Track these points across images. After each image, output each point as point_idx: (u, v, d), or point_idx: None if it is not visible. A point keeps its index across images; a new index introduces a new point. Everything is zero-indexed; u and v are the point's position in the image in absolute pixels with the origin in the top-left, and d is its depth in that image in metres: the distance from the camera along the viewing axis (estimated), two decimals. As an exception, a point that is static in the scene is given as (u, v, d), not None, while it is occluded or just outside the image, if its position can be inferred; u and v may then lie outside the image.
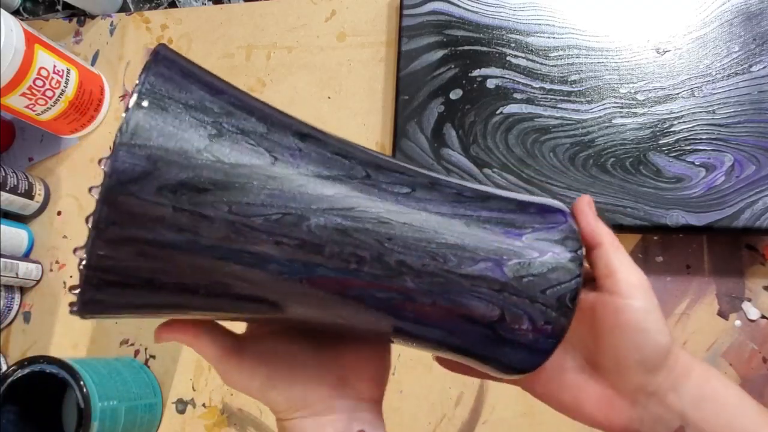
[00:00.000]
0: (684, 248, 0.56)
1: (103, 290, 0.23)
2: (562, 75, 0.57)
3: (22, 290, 0.69)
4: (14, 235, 0.67)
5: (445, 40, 0.60)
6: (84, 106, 0.68)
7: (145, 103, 0.22)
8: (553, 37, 0.58)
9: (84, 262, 0.22)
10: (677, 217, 0.52)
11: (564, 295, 0.27)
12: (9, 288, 0.67)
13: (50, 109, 0.65)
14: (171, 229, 0.22)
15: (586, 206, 0.29)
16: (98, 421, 0.52)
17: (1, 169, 0.64)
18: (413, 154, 0.58)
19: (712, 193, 0.52)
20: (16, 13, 0.78)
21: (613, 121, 0.55)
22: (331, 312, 0.26)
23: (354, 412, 0.29)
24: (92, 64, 0.73)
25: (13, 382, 0.53)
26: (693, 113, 0.54)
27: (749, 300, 0.54)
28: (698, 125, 0.54)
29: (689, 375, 0.28)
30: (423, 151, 0.58)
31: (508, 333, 0.27)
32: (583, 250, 0.28)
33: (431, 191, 0.27)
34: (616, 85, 0.56)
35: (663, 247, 0.56)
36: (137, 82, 0.22)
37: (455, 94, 0.58)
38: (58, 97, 0.65)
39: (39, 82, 0.62)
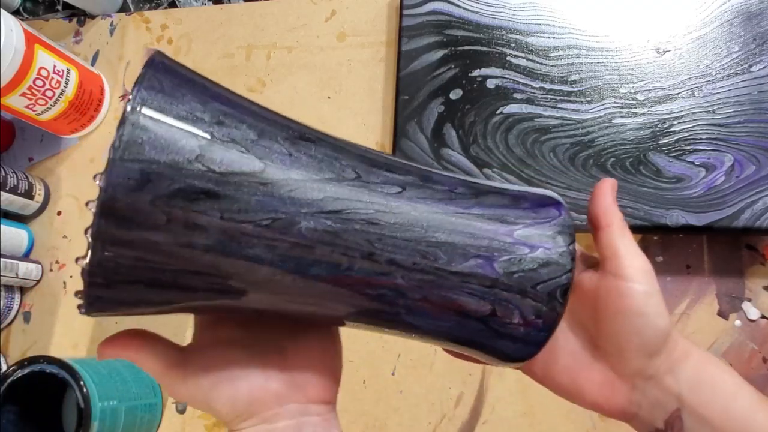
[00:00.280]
0: (684, 248, 0.56)
1: (105, 290, 0.24)
2: (562, 75, 0.57)
3: (22, 290, 0.69)
4: (14, 235, 0.67)
5: (445, 40, 0.60)
6: (84, 106, 0.68)
7: (137, 118, 0.23)
8: (553, 37, 0.58)
9: (86, 269, 0.23)
10: (677, 217, 0.52)
11: (555, 290, 0.27)
12: (9, 288, 0.67)
13: (50, 109, 0.65)
14: (166, 236, 0.23)
15: (608, 187, 0.30)
16: (98, 421, 0.52)
17: (1, 169, 0.64)
18: (413, 154, 0.58)
19: (712, 193, 0.52)
20: (16, 13, 0.78)
21: (613, 121, 0.55)
22: (319, 306, 0.27)
23: (304, 416, 0.28)
24: (92, 64, 0.73)
25: (13, 382, 0.53)
26: (693, 113, 0.54)
27: (749, 300, 0.54)
28: (698, 125, 0.54)
29: (687, 359, 0.28)
30: (423, 151, 0.58)
31: (499, 327, 0.27)
32: (576, 244, 0.28)
33: (422, 189, 0.27)
34: (616, 85, 0.56)
35: (663, 247, 0.56)
36: (130, 95, 0.23)
37: (455, 94, 0.58)
38: (58, 97, 0.65)
39: (39, 82, 0.62)
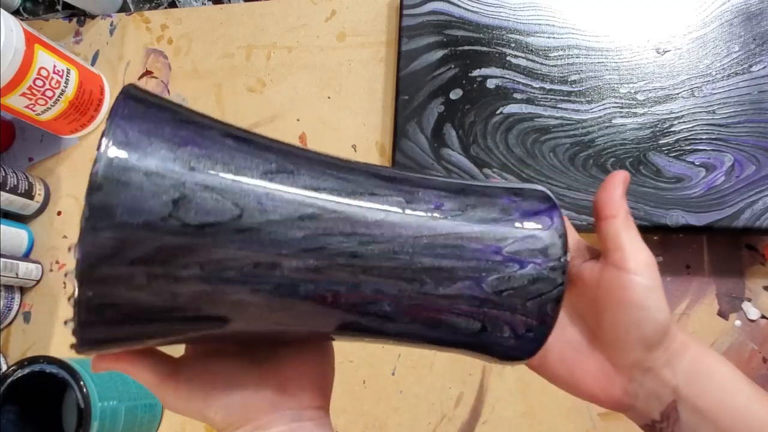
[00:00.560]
0: (684, 248, 0.56)
1: (95, 334, 0.24)
2: (562, 75, 0.57)
3: (22, 290, 0.69)
4: (14, 235, 0.67)
5: (445, 40, 0.60)
6: (84, 106, 0.68)
7: (105, 183, 0.22)
8: (553, 37, 0.58)
9: (74, 325, 0.23)
10: (677, 217, 0.52)
11: (545, 305, 0.27)
12: (9, 288, 0.67)
13: (50, 109, 0.65)
14: (149, 294, 0.23)
15: (620, 179, 0.30)
16: (98, 421, 0.52)
17: (1, 169, 0.64)
18: (413, 154, 0.58)
19: (712, 193, 0.52)
20: (16, 13, 0.78)
21: (613, 121, 0.55)
22: (307, 331, 0.28)
23: (297, 422, 0.29)
24: (92, 64, 0.73)
25: (13, 382, 0.53)
26: (693, 113, 0.54)
27: (749, 300, 0.54)
28: (698, 125, 0.54)
29: (685, 352, 0.28)
30: (423, 151, 0.58)
31: (490, 339, 0.27)
32: (568, 255, 0.27)
33: (406, 211, 0.26)
34: (616, 85, 0.56)
35: (663, 247, 0.56)
36: (96, 156, 0.22)
37: (455, 94, 0.58)
38: (58, 97, 0.65)
39: (39, 82, 0.62)
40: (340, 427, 0.58)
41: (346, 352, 0.60)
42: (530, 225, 0.27)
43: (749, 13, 0.55)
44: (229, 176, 0.24)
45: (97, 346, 0.24)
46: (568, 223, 0.31)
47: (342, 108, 0.66)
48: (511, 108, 0.57)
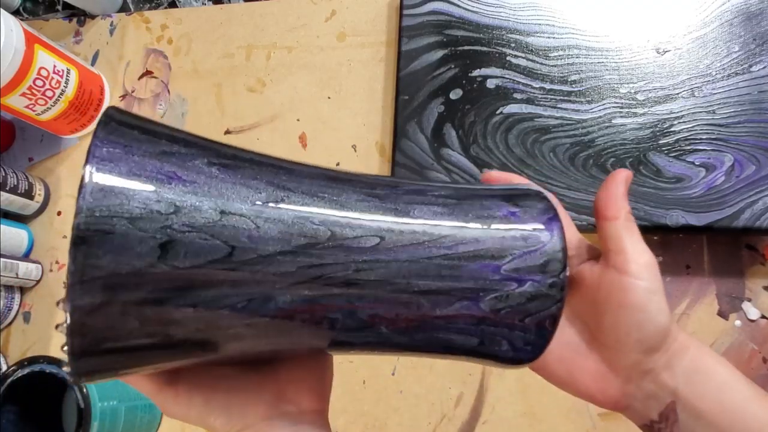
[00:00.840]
0: (684, 248, 0.56)
1: (90, 369, 0.24)
2: (562, 75, 0.57)
3: (22, 290, 0.69)
4: (14, 235, 0.67)
5: (445, 40, 0.60)
6: (84, 106, 0.68)
7: (88, 236, 0.21)
8: (553, 37, 0.58)
9: (68, 363, 0.23)
10: (677, 217, 0.52)
11: (544, 321, 0.26)
12: (9, 288, 0.67)
13: (50, 109, 0.65)
14: (142, 338, 0.23)
15: (622, 178, 0.29)
16: (98, 421, 0.52)
17: (1, 169, 0.64)
18: (413, 154, 0.58)
19: (712, 193, 0.52)
20: (16, 13, 0.78)
21: (613, 121, 0.55)
22: (304, 351, 0.28)
23: (296, 426, 0.29)
24: (92, 64, 0.73)
25: (13, 382, 0.53)
26: (693, 113, 0.54)
27: (749, 300, 0.54)
28: (698, 125, 0.54)
29: (684, 354, 0.28)
30: (423, 151, 0.58)
31: (488, 351, 0.27)
32: (567, 271, 0.27)
33: (401, 232, 0.25)
34: (616, 85, 0.56)
35: (663, 247, 0.56)
36: (76, 207, 0.21)
37: (455, 94, 0.58)
38: (58, 97, 0.65)
39: (39, 82, 0.62)
40: (340, 427, 0.58)
41: (346, 352, 0.60)
42: (529, 241, 0.26)
43: (749, 13, 0.55)
44: (217, 213, 0.23)
45: (92, 375, 0.24)
46: (567, 221, 0.30)
47: (342, 108, 0.66)
48: (511, 108, 0.57)
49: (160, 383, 0.29)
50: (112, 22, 0.74)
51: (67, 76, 0.65)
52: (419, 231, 0.26)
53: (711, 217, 0.51)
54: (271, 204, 0.24)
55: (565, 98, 0.56)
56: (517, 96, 0.57)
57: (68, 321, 0.21)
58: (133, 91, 0.72)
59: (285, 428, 0.28)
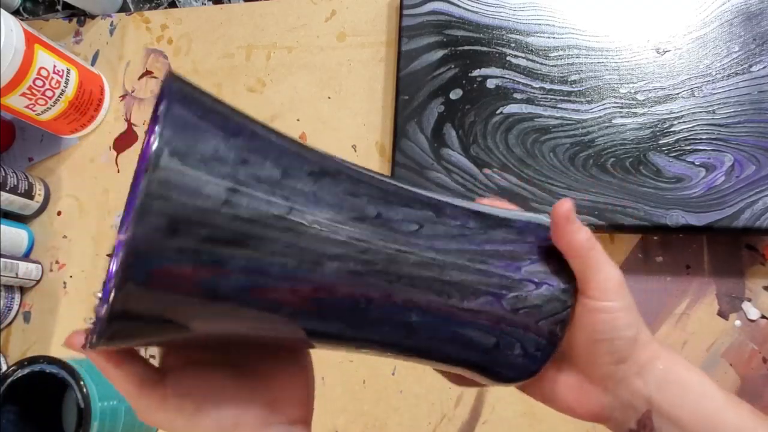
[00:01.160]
0: (684, 248, 0.56)
1: (119, 330, 0.23)
2: (562, 75, 0.57)
3: (22, 290, 0.69)
4: (14, 235, 0.67)
5: (445, 40, 0.60)
6: (84, 106, 0.68)
7: (162, 163, 0.21)
8: (553, 37, 0.58)
9: (104, 312, 0.22)
10: (677, 217, 0.52)
11: (555, 325, 0.28)
12: (9, 288, 0.67)
13: (50, 109, 0.65)
14: (191, 284, 0.23)
15: (563, 220, 0.28)
16: (98, 421, 0.52)
17: (1, 169, 0.64)
18: (413, 154, 0.58)
19: (712, 193, 0.52)
20: (16, 13, 0.78)
21: (613, 121, 0.55)
22: (327, 343, 0.28)
23: None
24: (92, 64, 0.73)
25: (13, 382, 0.53)
26: (693, 113, 0.54)
27: (749, 300, 0.54)
28: (698, 125, 0.54)
29: (655, 361, 0.29)
30: (423, 151, 0.58)
31: (500, 357, 0.28)
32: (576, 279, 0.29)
33: (437, 225, 0.27)
34: (616, 85, 0.56)
35: (663, 247, 0.56)
36: (152, 134, 0.21)
37: (455, 94, 0.58)
38: (58, 97, 0.65)
39: (39, 82, 0.62)
40: (340, 427, 0.59)
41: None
42: (544, 248, 0.29)
43: (749, 13, 0.55)
44: (279, 171, 0.24)
45: (128, 320, 0.23)
46: None
47: (342, 108, 0.66)
48: (511, 108, 0.57)
49: (146, 382, 0.27)
50: (112, 22, 0.74)
51: (67, 76, 0.65)
52: (452, 225, 0.28)
53: (711, 217, 0.51)
54: (326, 176, 0.26)
55: (565, 98, 0.56)
56: (517, 96, 0.57)
57: (126, 247, 0.21)
58: (133, 91, 0.72)
59: None
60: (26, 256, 0.69)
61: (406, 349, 0.28)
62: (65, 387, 0.54)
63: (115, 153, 0.70)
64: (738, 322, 0.54)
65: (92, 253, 0.68)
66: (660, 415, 0.28)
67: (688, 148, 0.53)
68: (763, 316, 0.54)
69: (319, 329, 0.27)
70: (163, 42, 0.72)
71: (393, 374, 0.59)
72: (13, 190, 0.65)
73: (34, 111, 0.64)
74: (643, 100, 0.55)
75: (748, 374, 0.53)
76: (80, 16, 0.75)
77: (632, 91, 0.55)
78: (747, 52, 0.54)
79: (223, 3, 0.72)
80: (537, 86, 0.57)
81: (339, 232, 0.25)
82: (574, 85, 0.56)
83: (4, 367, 0.65)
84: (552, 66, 0.57)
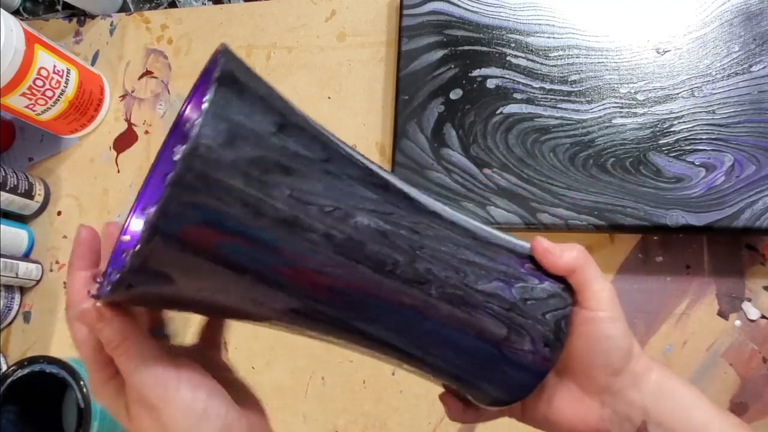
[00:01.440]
0: (684, 248, 0.56)
1: (182, 213, 0.23)
2: (562, 75, 0.57)
3: (22, 290, 0.69)
4: (14, 235, 0.67)
5: (445, 40, 0.60)
6: (84, 106, 0.68)
7: (227, 82, 0.24)
8: (553, 37, 0.58)
9: (152, 211, 0.22)
10: (677, 217, 0.52)
11: (561, 320, 0.30)
12: (9, 288, 0.67)
13: (50, 109, 0.65)
14: (237, 202, 0.23)
15: (544, 254, 0.30)
16: (98, 421, 0.52)
17: (1, 169, 0.64)
18: (413, 154, 0.58)
19: (712, 193, 0.52)
20: (16, 13, 0.78)
21: (613, 121, 0.55)
22: (346, 312, 0.28)
23: None
24: (92, 64, 0.73)
25: (13, 382, 0.53)
26: (693, 113, 0.54)
27: (749, 300, 0.54)
28: (698, 125, 0.54)
29: (649, 374, 0.30)
30: (423, 151, 0.57)
31: (510, 352, 0.29)
32: None
33: (453, 213, 0.30)
34: (616, 85, 0.56)
35: (663, 247, 0.56)
36: (214, 65, 0.24)
37: (455, 94, 0.58)
38: (58, 97, 0.65)
39: (39, 82, 0.62)
40: (340, 427, 0.59)
41: (347, 352, 0.60)
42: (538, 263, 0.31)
43: (749, 13, 0.55)
44: (317, 130, 0.27)
45: (177, 224, 0.23)
46: None
47: (342, 108, 0.66)
48: (511, 108, 0.57)
49: (143, 343, 0.27)
50: (112, 22, 0.74)
51: (67, 76, 0.65)
52: (464, 215, 0.30)
53: (711, 217, 0.51)
54: (354, 151, 0.28)
55: (565, 98, 0.56)
56: (517, 96, 0.57)
57: (189, 144, 0.22)
58: (133, 91, 0.72)
59: None
60: (26, 256, 0.69)
61: (420, 336, 0.28)
62: (65, 387, 0.54)
63: (115, 153, 0.70)
64: (738, 322, 0.54)
65: (92, 253, 0.68)
66: (655, 425, 0.30)
67: (688, 148, 0.53)
68: (763, 316, 0.54)
69: (346, 288, 0.27)
70: (163, 42, 0.72)
71: (393, 374, 0.59)
72: (13, 190, 0.65)
73: (34, 111, 0.64)
74: (643, 100, 0.55)
75: (748, 374, 0.53)
76: (80, 16, 0.75)
77: (632, 91, 0.55)
78: (747, 52, 0.54)
79: (223, 3, 0.72)
80: (537, 86, 0.57)
81: (369, 191, 0.27)
82: (574, 85, 0.56)
83: (4, 367, 0.65)
84: (552, 66, 0.57)
